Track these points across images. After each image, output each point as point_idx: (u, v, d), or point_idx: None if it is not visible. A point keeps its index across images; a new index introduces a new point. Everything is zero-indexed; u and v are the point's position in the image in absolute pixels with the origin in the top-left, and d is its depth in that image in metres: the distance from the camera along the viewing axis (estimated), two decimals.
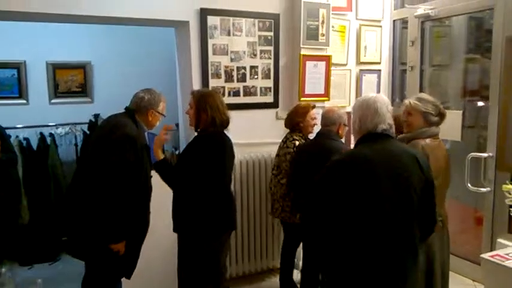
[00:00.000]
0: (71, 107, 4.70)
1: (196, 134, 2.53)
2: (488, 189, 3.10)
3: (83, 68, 4.80)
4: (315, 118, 3.17)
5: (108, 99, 4.67)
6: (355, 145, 1.92)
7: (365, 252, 1.76)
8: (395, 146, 1.86)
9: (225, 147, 2.46)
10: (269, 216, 3.60)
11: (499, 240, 3.02)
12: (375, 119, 1.83)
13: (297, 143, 3.08)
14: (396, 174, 1.76)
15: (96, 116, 4.67)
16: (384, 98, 1.91)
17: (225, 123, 2.51)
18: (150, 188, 2.56)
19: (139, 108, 2.53)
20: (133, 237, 2.48)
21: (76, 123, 4.60)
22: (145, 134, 2.66)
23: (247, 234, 3.55)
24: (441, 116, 2.42)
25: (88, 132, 4.59)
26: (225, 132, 2.52)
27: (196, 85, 3.34)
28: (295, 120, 3.16)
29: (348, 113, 3.76)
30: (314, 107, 3.20)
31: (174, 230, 2.53)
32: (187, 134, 3.39)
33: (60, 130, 4.54)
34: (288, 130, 3.25)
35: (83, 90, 4.83)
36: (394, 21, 4.06)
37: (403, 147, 1.91)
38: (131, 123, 2.47)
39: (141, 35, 4.61)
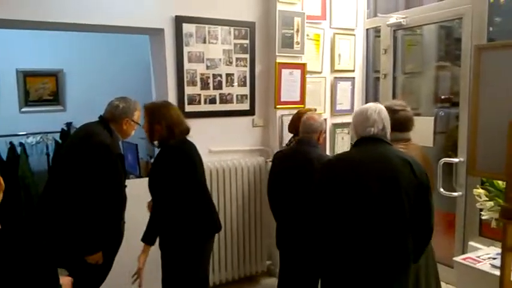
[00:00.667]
0: (42, 116, 4.60)
1: (158, 148, 2.47)
2: (460, 193, 3.18)
3: (54, 75, 4.71)
4: None
5: (81, 107, 4.60)
6: (352, 147, 2.07)
7: (352, 250, 1.84)
8: (386, 149, 1.93)
9: (192, 153, 2.44)
10: (246, 223, 3.60)
11: (471, 243, 3.10)
12: (365, 124, 1.96)
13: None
14: (384, 175, 1.83)
15: (69, 124, 4.59)
16: (377, 106, 2.02)
17: (185, 132, 2.45)
18: (125, 198, 2.52)
19: (114, 117, 2.49)
20: (107, 248, 2.44)
21: (48, 132, 4.51)
22: (120, 143, 2.63)
23: (224, 242, 3.53)
24: None
25: (60, 141, 4.49)
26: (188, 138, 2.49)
27: (172, 93, 3.32)
28: (298, 125, 3.15)
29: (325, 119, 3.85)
30: (315, 111, 3.21)
31: (160, 246, 2.48)
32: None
33: (31, 139, 4.44)
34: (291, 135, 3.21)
35: (55, 98, 4.74)
36: (367, 30, 4.14)
37: (394, 151, 1.95)
38: (105, 131, 2.43)
39: (116, 42, 4.56)
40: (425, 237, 1.91)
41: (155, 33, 3.32)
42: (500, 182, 2.51)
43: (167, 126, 2.38)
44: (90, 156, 2.31)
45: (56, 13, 2.87)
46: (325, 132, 2.98)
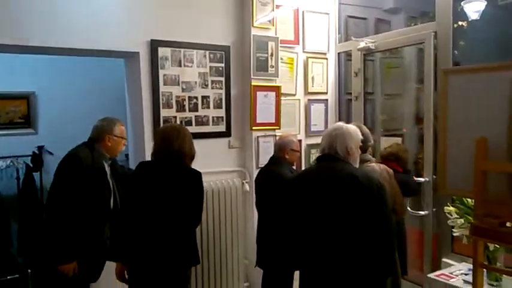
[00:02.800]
0: (13, 139, 4.48)
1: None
2: (427, 212, 3.28)
3: (26, 98, 4.62)
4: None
5: (54, 131, 4.53)
6: (316, 162, 2.28)
7: (316, 256, 2.12)
8: (340, 165, 2.12)
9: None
10: (223, 245, 3.57)
11: (444, 259, 3.17)
12: (329, 140, 2.17)
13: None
14: (332, 188, 2.07)
15: (40, 148, 4.49)
16: (342, 125, 2.23)
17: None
18: (108, 211, 2.56)
19: (98, 137, 2.63)
20: (84, 260, 2.51)
21: (18, 156, 4.38)
22: (108, 161, 2.69)
23: (200, 264, 3.48)
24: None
25: (31, 165, 4.38)
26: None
27: (147, 115, 3.32)
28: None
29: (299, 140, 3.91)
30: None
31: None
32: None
33: (0, 163, 4.30)
34: None
35: (26, 121, 4.63)
36: (338, 53, 4.27)
37: (345, 167, 2.12)
38: (85, 149, 2.56)
39: (89, 65, 4.52)
40: (386, 247, 2.06)
41: (130, 57, 3.33)
42: (469, 200, 2.60)
43: None
44: (59, 167, 2.51)
45: (31, 37, 2.85)
46: (295, 150, 3.08)
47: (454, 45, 3.22)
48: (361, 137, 2.28)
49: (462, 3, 3.34)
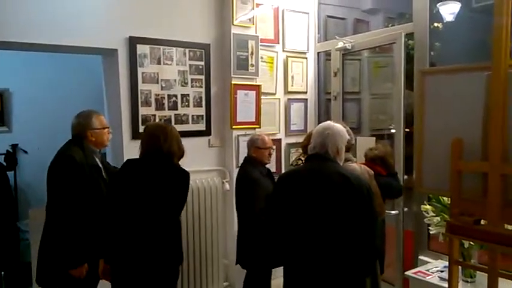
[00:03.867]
0: None
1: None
2: (397, 211, 3.35)
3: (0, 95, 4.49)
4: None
5: (28, 129, 4.42)
6: (304, 162, 2.35)
7: (302, 254, 2.11)
8: (329, 165, 2.13)
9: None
10: (203, 244, 3.55)
11: (420, 257, 3.23)
12: (318, 140, 2.17)
13: (299, 162, 3.20)
14: (324, 188, 2.06)
15: (14, 146, 4.37)
16: (332, 124, 2.23)
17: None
18: (110, 209, 2.48)
19: (79, 134, 2.56)
20: (90, 262, 2.45)
21: None
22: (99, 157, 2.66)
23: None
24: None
25: (5, 163, 4.26)
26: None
27: (126, 113, 3.28)
28: (304, 144, 3.24)
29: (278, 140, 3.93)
30: None
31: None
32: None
33: None
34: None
35: (0, 119, 4.50)
36: (318, 53, 4.30)
37: (336, 167, 2.14)
38: (75, 147, 2.50)
39: (65, 61, 4.43)
40: (369, 247, 2.08)
41: (108, 54, 3.27)
42: (445, 198, 2.65)
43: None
44: (55, 169, 2.42)
45: (7, 32, 2.77)
46: (259, 147, 3.10)
47: (430, 46, 3.28)
48: (348, 136, 2.30)
49: (438, 5, 3.40)
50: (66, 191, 2.36)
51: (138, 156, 2.53)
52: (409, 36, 3.50)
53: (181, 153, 2.54)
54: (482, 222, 2.12)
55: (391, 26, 4.62)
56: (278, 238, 2.25)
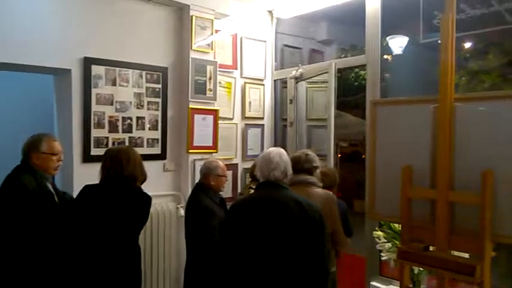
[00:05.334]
0: None
1: None
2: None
3: None
4: None
5: None
6: (255, 190, 2.31)
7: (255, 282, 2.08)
8: (283, 192, 2.14)
9: None
10: (154, 270, 3.43)
11: (372, 283, 3.29)
12: (269, 166, 2.16)
13: (250, 191, 3.15)
14: (279, 216, 2.06)
15: None
16: (279, 149, 2.26)
17: None
18: (71, 236, 2.36)
19: (26, 156, 2.43)
20: None
21: None
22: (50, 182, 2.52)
23: None
24: None
25: None
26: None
27: (77, 135, 3.17)
28: (252, 171, 3.28)
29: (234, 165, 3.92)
30: None
31: None
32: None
33: None
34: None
35: None
36: (275, 80, 4.38)
37: (290, 194, 2.16)
38: (23, 171, 2.37)
39: (12, 80, 4.23)
40: (321, 272, 2.10)
41: (61, 74, 3.17)
42: (396, 225, 2.73)
43: None
44: (2, 196, 2.30)
45: None
46: (220, 175, 3.01)
47: (381, 77, 3.44)
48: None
49: (387, 38, 3.59)
50: (14, 221, 2.23)
51: (91, 181, 2.45)
52: (362, 67, 3.66)
53: (143, 178, 2.52)
54: (431, 248, 2.20)
55: (344, 56, 4.83)
56: (230, 268, 2.19)
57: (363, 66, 3.65)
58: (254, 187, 3.12)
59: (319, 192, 2.61)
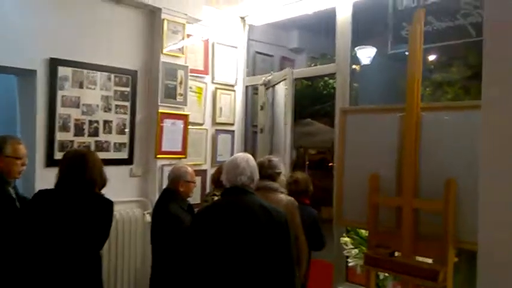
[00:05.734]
0: None
1: None
2: None
3: None
4: None
5: None
6: (221, 196, 2.28)
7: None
8: (250, 198, 2.13)
9: None
10: (119, 278, 3.35)
11: None
12: (235, 171, 2.14)
13: (214, 197, 3.12)
14: (246, 223, 2.05)
15: None
16: (245, 155, 2.26)
17: None
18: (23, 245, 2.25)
19: None
20: None
21: None
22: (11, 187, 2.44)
23: None
24: None
25: None
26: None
27: (40, 138, 3.06)
28: (215, 177, 3.27)
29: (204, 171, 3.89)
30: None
31: None
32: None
33: None
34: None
35: None
36: (246, 87, 4.39)
37: (257, 200, 2.14)
38: None
39: None
40: (288, 279, 2.09)
41: (26, 75, 3.06)
42: (363, 231, 2.77)
43: None
44: None
45: None
46: (188, 181, 2.96)
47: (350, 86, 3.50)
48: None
49: (356, 48, 3.67)
50: None
51: (53, 186, 2.35)
52: (331, 75, 3.72)
53: (103, 182, 2.41)
54: (396, 254, 2.24)
55: (314, 65, 4.90)
56: (196, 275, 2.14)
57: (332, 75, 3.71)
58: (217, 193, 3.14)
59: (281, 198, 2.62)
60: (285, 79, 3.65)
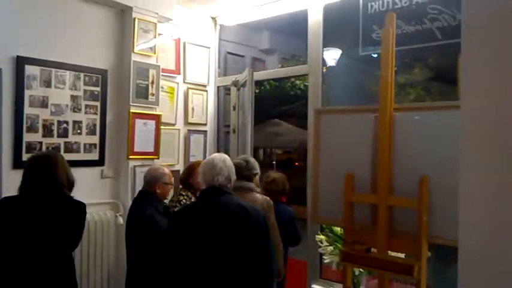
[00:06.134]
0: None
1: None
2: None
3: None
4: None
5: None
6: (198, 197, 2.29)
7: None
8: (228, 198, 2.15)
9: None
10: (91, 283, 3.27)
11: (313, 286, 3.38)
12: (212, 171, 2.16)
13: (181, 198, 3.09)
14: (225, 222, 2.06)
15: None
16: (222, 155, 2.26)
17: None
18: None
19: None
20: None
21: None
22: None
23: None
24: None
25: None
26: None
27: (7, 139, 2.94)
28: (183, 177, 3.25)
29: (176, 171, 3.85)
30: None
31: None
32: None
33: None
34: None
35: None
36: (218, 87, 4.39)
37: (235, 199, 2.17)
38: None
39: None
40: (267, 277, 2.11)
41: None
42: (338, 228, 2.84)
43: None
44: None
45: None
46: (166, 183, 2.93)
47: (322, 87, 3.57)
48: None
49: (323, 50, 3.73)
50: None
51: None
52: (302, 77, 3.77)
53: (70, 184, 2.36)
54: (372, 250, 2.31)
55: (285, 66, 4.95)
56: (173, 276, 2.12)
57: (299, 76, 3.76)
58: (184, 194, 3.14)
59: (257, 197, 2.65)
60: (245, 80, 3.68)
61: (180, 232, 2.12)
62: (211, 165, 2.18)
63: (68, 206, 2.29)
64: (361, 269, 2.70)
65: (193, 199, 3.11)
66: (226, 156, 2.29)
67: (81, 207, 2.36)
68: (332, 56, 4.17)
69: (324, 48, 3.65)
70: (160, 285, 2.24)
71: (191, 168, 3.24)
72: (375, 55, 3.48)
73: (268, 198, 2.72)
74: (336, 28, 3.66)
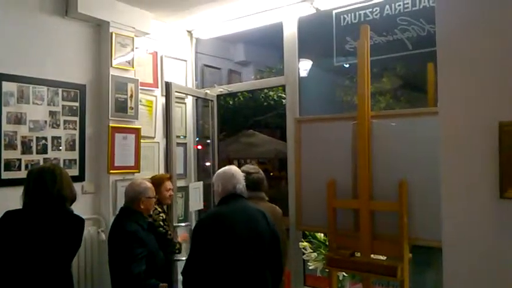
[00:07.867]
0: None
1: None
2: None
3: None
4: (170, 189, 3.39)
5: None
6: (217, 205, 2.45)
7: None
8: (247, 203, 2.40)
9: None
10: None
11: None
12: (232, 181, 2.41)
13: (161, 214, 3.23)
14: (249, 224, 2.29)
15: None
16: (235, 167, 2.55)
17: None
18: None
19: None
20: None
21: None
22: None
23: None
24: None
25: None
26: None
27: None
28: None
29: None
30: (169, 178, 3.41)
31: None
32: None
33: None
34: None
35: None
36: (196, 99, 4.42)
37: (252, 204, 2.43)
38: None
39: None
40: (279, 272, 2.41)
41: None
42: (321, 235, 2.90)
43: None
44: None
45: None
46: (150, 197, 2.93)
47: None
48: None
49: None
50: None
51: (2, 208, 2.26)
52: (275, 88, 3.85)
53: (73, 197, 2.41)
54: (356, 254, 2.39)
55: (260, 77, 5.05)
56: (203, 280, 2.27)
57: (271, 88, 3.85)
58: (159, 209, 3.19)
59: (267, 206, 2.77)
60: (206, 93, 3.84)
61: (210, 238, 2.29)
62: (230, 175, 2.44)
63: (69, 221, 2.32)
64: (344, 273, 2.77)
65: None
66: (234, 167, 2.54)
67: (81, 222, 2.41)
68: (307, 66, 4.27)
69: (300, 59, 3.75)
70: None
71: (159, 183, 3.29)
72: (347, 65, 3.61)
73: (276, 206, 2.87)
74: (311, 40, 3.77)
